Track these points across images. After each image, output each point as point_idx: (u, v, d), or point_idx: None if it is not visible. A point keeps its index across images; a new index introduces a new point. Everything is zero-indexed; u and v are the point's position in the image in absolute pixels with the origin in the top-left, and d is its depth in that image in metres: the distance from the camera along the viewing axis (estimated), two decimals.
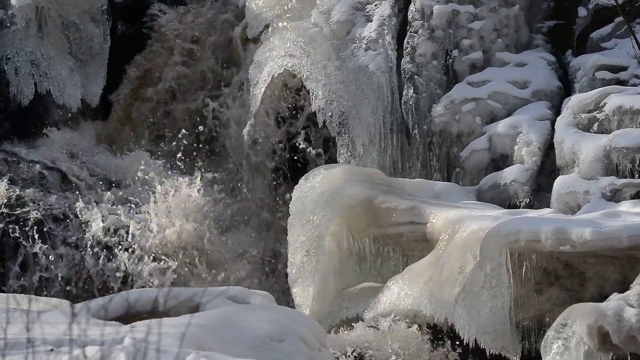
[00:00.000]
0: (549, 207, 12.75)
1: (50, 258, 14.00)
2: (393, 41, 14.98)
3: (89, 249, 14.16)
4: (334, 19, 15.32)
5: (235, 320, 8.95)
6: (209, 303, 9.45)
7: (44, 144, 16.16)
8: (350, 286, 12.75)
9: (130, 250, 14.18)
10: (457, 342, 11.59)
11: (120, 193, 14.99)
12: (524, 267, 11.41)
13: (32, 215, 14.19)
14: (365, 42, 14.94)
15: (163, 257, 14.18)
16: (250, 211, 15.72)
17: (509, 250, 11.21)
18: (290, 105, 15.59)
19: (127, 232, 14.29)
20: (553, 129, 13.50)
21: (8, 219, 14.18)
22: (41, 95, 16.38)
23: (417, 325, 11.81)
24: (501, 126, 13.93)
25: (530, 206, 13.08)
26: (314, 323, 10.18)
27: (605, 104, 13.18)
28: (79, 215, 14.36)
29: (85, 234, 14.27)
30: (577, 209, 12.48)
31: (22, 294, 12.35)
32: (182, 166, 15.35)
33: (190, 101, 16.79)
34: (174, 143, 15.85)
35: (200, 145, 16.14)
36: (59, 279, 14.04)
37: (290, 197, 13.37)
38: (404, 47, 14.87)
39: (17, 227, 14.08)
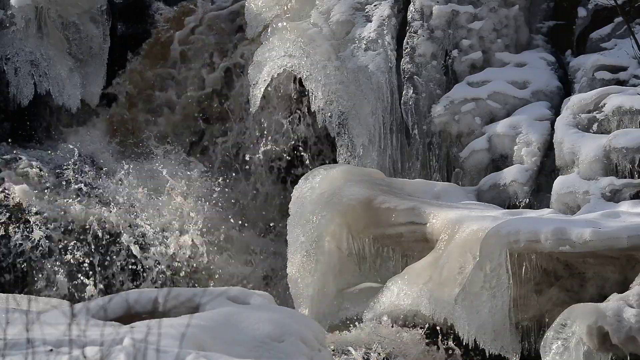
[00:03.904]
0: (548, 207, 12.75)
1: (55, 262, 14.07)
2: (392, 41, 14.97)
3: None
4: (333, 19, 15.31)
5: (235, 321, 8.96)
6: (209, 303, 9.45)
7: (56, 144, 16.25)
8: (349, 286, 12.75)
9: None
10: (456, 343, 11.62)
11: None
12: (524, 267, 11.40)
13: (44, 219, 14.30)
14: (364, 42, 14.93)
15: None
16: None
17: (508, 250, 11.20)
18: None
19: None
20: (553, 129, 13.50)
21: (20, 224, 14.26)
22: (41, 95, 16.39)
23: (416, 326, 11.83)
24: (501, 126, 13.93)
25: (529, 206, 13.08)
26: (314, 323, 10.20)
27: (604, 104, 13.18)
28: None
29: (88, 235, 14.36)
30: (576, 209, 12.48)
31: (22, 295, 12.37)
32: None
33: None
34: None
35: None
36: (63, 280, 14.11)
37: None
38: (404, 48, 14.86)
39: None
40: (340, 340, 11.80)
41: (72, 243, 14.28)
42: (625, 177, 12.44)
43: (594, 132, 13.04)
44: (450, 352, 11.76)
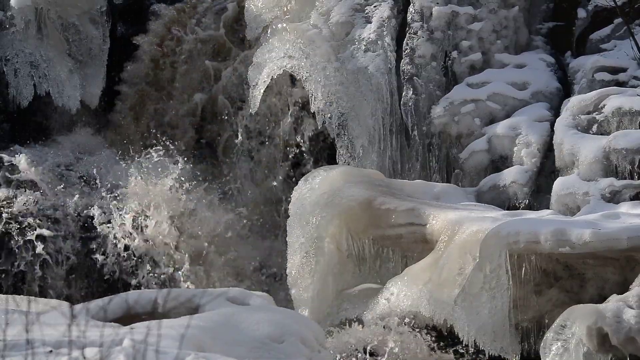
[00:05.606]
0: (548, 208, 12.75)
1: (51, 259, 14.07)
2: (392, 42, 14.97)
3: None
4: (333, 20, 15.31)
5: (235, 322, 8.96)
6: (209, 304, 9.46)
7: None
8: (349, 287, 12.75)
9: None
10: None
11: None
12: (524, 268, 11.41)
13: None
14: (364, 43, 14.93)
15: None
16: None
17: (508, 251, 11.20)
18: None
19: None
20: (552, 131, 13.50)
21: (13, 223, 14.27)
22: (40, 96, 16.40)
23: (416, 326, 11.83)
24: (500, 127, 13.93)
25: (529, 207, 13.08)
26: (313, 324, 10.20)
27: (604, 105, 13.18)
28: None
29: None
30: (576, 210, 12.48)
31: (22, 295, 12.37)
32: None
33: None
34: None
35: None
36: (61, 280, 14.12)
37: None
38: (403, 49, 14.86)
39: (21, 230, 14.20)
40: (340, 341, 11.80)
41: (72, 239, 14.31)
42: (625, 178, 12.45)
43: (593, 133, 13.04)
44: (451, 353, 11.77)
